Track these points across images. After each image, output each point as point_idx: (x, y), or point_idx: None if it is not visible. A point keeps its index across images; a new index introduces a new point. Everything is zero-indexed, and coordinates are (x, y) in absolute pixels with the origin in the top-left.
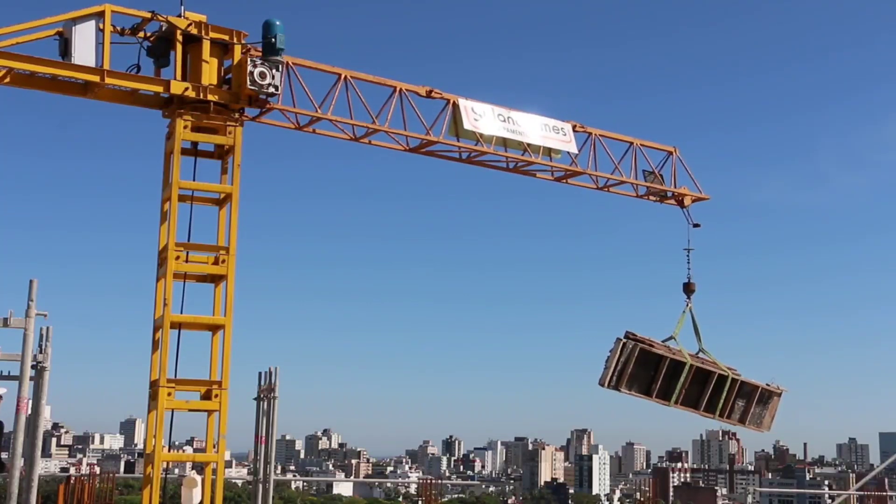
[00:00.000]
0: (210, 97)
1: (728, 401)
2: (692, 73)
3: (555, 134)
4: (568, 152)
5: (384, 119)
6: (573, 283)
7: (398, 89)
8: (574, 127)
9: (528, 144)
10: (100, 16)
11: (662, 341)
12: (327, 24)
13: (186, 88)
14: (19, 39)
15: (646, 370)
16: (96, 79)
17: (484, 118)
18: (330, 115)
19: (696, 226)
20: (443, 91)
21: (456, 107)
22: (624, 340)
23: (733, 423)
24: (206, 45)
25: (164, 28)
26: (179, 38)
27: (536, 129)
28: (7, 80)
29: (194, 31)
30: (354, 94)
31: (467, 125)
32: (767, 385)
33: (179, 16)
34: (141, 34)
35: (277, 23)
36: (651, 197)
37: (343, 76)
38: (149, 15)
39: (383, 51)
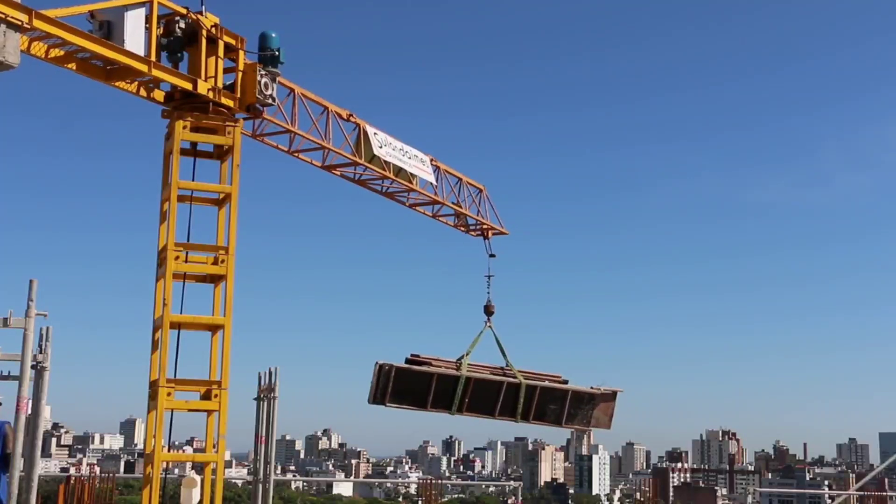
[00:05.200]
0: (224, 100)
1: (530, 406)
2: (692, 73)
3: (420, 164)
4: (430, 182)
5: (329, 138)
6: (574, 283)
7: (328, 110)
8: (431, 160)
9: (401, 171)
10: (148, 4)
11: (458, 358)
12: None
13: (210, 89)
14: (58, 14)
15: (417, 386)
16: (144, 68)
17: (384, 145)
18: (297, 129)
19: (492, 255)
20: (357, 116)
21: (365, 132)
22: (381, 364)
23: (547, 424)
24: (222, 47)
25: (182, 25)
26: (205, 35)
27: (409, 158)
28: (51, 54)
29: (214, 31)
30: (303, 110)
31: (375, 150)
32: (593, 388)
33: (201, 14)
34: (158, 28)
35: (274, 35)
36: (461, 228)
37: (295, 91)
38: (184, 11)
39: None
